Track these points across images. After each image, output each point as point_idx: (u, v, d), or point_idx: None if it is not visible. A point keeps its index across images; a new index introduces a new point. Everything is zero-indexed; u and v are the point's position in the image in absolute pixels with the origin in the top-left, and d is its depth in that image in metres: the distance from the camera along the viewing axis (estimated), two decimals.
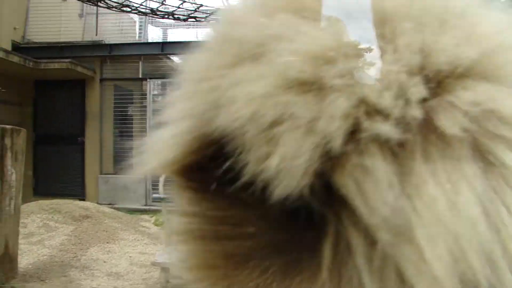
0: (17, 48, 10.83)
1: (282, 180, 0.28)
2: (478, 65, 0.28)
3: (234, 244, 0.36)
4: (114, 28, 11.02)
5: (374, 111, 0.27)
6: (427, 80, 0.28)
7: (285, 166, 0.28)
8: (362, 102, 0.27)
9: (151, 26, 11.34)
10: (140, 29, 11.38)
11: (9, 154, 4.14)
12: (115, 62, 10.46)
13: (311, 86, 0.28)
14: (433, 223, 0.25)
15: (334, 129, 0.27)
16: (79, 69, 10.04)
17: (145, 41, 10.86)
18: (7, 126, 4.22)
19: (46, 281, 4.13)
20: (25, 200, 6.06)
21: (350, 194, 0.27)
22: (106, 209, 6.54)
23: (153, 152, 0.39)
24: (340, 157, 0.27)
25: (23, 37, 11.26)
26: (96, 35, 10.64)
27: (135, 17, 11.06)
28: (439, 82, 0.28)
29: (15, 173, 4.17)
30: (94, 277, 4.21)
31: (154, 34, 11.62)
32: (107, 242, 5.17)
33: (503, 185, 0.26)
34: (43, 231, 5.66)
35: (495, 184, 0.26)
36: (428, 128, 0.27)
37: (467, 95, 0.27)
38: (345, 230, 0.30)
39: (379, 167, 0.26)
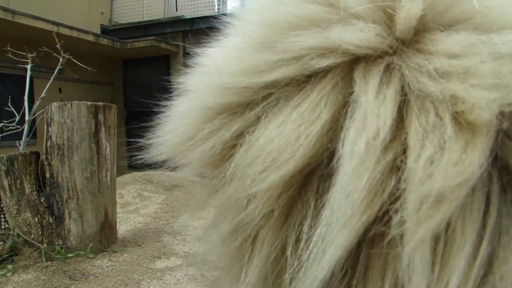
0: (105, 31, 11.41)
1: None
2: None
3: None
4: (192, 3, 11.21)
5: None
6: None
7: None
8: None
9: None
10: (218, 2, 11.46)
11: (102, 129, 4.38)
12: (197, 36, 10.67)
13: None
14: None
15: None
16: (162, 45, 10.38)
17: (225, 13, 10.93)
18: (99, 103, 4.45)
19: (142, 246, 4.38)
20: (120, 173, 6.46)
21: None
22: (195, 178, 6.76)
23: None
24: None
25: (110, 20, 11.82)
26: (176, 11, 10.88)
27: None
28: None
29: (109, 146, 4.42)
30: (185, 242, 4.40)
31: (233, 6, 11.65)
32: (197, 209, 5.34)
33: None
34: (138, 200, 6.01)
35: None
36: None
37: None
38: None
39: None
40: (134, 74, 11.25)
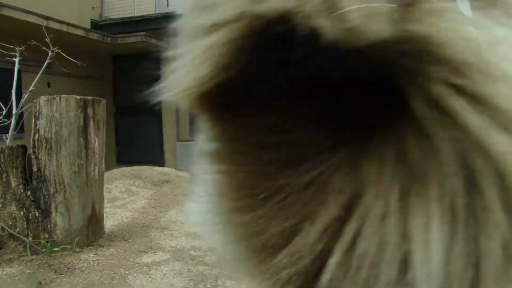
0: (95, 26, 11.34)
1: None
2: None
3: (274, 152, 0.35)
4: None
5: None
6: None
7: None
8: None
9: None
10: None
11: (91, 123, 4.36)
12: None
13: None
14: None
15: None
16: (153, 41, 10.34)
17: None
18: (88, 97, 4.43)
19: (129, 240, 4.37)
20: (109, 168, 6.43)
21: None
22: (184, 174, 6.75)
23: (184, 72, 0.34)
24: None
25: (101, 15, 11.75)
26: (168, 6, 10.85)
27: None
28: None
29: (97, 140, 4.40)
30: (173, 237, 4.40)
31: None
32: (186, 205, 5.35)
33: None
34: (126, 195, 5.99)
35: None
36: None
37: None
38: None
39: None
40: (124, 69, 11.19)
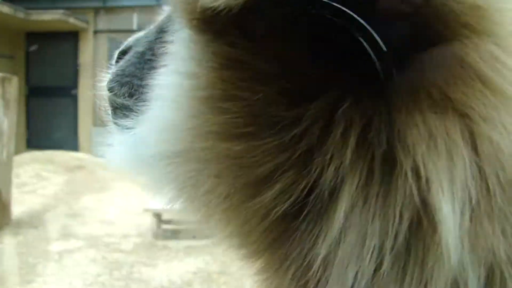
0: None
1: None
2: None
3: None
4: None
5: None
6: None
7: None
8: None
9: None
10: None
11: (1, 102, 4.10)
12: (109, 14, 10.22)
13: None
14: None
15: None
16: (71, 20, 9.82)
17: None
18: None
19: (39, 227, 4.17)
20: (18, 152, 6.05)
21: None
22: (100, 160, 6.53)
23: None
24: None
25: None
26: None
27: None
28: None
29: (7, 120, 4.14)
30: (86, 224, 4.26)
31: None
32: (100, 192, 5.21)
33: None
34: (36, 181, 5.69)
35: None
36: None
37: None
38: None
39: None
40: (38, 48, 10.53)
